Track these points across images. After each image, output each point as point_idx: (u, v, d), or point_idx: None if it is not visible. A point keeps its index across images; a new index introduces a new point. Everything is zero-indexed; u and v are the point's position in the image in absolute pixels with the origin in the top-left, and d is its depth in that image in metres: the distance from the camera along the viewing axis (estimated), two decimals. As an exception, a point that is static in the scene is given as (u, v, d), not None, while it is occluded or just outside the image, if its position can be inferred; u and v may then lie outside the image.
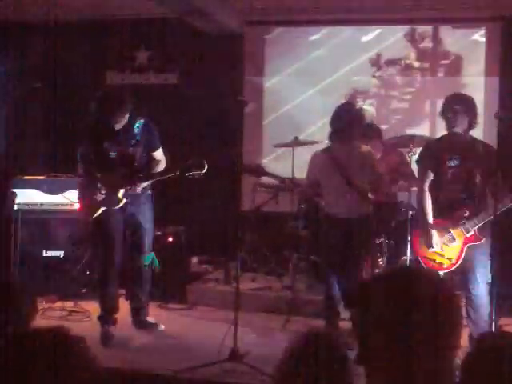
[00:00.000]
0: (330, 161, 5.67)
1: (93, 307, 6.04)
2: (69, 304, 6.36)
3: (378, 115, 8.01)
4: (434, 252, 5.12)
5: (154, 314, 6.04)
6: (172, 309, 6.55)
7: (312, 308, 6.22)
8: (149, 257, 5.75)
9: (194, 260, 7.41)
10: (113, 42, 8.54)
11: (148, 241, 5.73)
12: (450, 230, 5.08)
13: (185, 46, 8.30)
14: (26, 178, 6.91)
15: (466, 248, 5.02)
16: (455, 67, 7.87)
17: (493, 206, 4.81)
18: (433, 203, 5.16)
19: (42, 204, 6.81)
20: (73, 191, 6.47)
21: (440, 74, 7.98)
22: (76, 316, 6.13)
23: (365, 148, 5.72)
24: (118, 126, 5.49)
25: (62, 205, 6.81)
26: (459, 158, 5.08)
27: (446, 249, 5.09)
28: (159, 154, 5.70)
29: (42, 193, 6.82)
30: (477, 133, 7.52)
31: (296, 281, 6.49)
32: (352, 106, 6.26)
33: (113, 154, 5.53)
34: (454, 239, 5.08)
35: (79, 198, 5.78)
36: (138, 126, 5.57)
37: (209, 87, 8.10)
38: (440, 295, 1.76)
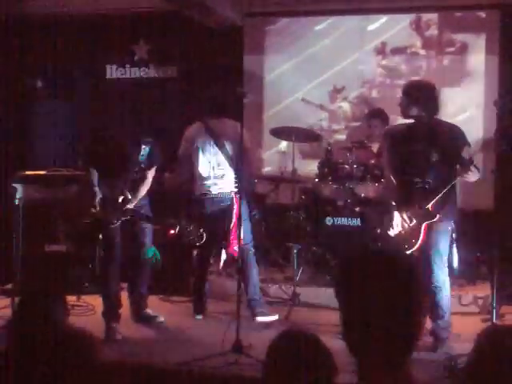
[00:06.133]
0: (206, 132, 5.95)
1: (96, 301, 6.06)
2: (72, 298, 6.38)
3: (384, 104, 7.92)
4: (398, 233, 5.09)
5: (156, 306, 6.07)
6: (174, 301, 6.57)
7: (314, 299, 6.24)
8: (150, 250, 5.77)
9: (196, 252, 7.40)
10: (112, 36, 8.50)
11: (148, 234, 5.76)
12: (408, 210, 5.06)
13: (184, 39, 8.28)
14: (27, 172, 6.91)
15: (425, 227, 4.97)
16: (461, 55, 7.82)
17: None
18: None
19: (43, 199, 6.82)
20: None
21: (446, 62, 7.94)
22: (79, 310, 6.14)
23: (234, 122, 5.84)
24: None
25: (64, 200, 6.82)
26: (417, 142, 5.09)
27: (407, 229, 5.05)
28: (151, 172, 5.82)
29: (43, 187, 6.83)
30: (477, 120, 7.58)
31: (298, 272, 6.50)
32: None
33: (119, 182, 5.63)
34: (411, 219, 5.03)
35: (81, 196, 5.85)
36: (142, 155, 5.69)
37: (208, 80, 8.09)
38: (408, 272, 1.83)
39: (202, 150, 5.97)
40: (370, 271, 1.80)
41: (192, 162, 6.02)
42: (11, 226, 6.37)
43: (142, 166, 5.70)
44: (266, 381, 2.14)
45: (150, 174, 5.81)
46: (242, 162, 5.62)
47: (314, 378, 2.08)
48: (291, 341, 2.19)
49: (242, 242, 5.46)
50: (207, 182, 5.94)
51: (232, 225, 5.71)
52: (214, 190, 5.91)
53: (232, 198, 5.83)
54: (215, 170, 5.92)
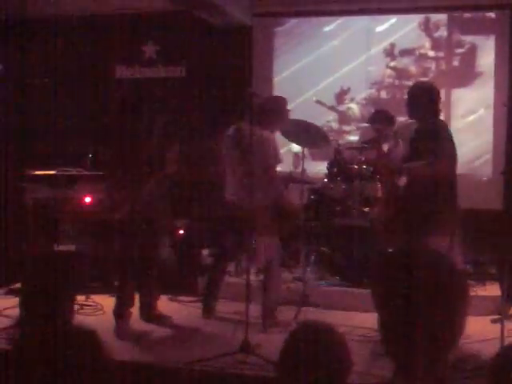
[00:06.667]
0: (237, 138, 5.71)
1: (105, 301, 6.07)
2: (80, 298, 6.38)
3: (392, 105, 7.91)
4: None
5: (165, 306, 6.07)
6: (183, 301, 6.56)
7: (323, 299, 6.23)
8: None
9: (205, 252, 7.42)
10: (121, 37, 8.55)
11: (163, 233, 5.77)
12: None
13: (193, 39, 8.30)
14: (37, 173, 6.92)
15: None
16: (470, 56, 7.80)
17: None
18: None
19: (52, 198, 6.83)
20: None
21: (455, 63, 7.90)
22: (88, 310, 6.14)
23: (266, 132, 5.66)
24: (138, 126, 5.57)
25: (73, 199, 6.84)
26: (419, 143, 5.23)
27: None
28: (174, 151, 5.73)
29: (52, 187, 6.84)
30: (487, 121, 7.56)
31: (307, 272, 6.49)
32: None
33: (134, 155, 5.59)
34: None
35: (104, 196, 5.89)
36: (158, 124, 5.65)
37: (217, 80, 8.10)
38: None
39: (234, 157, 5.75)
40: (408, 271, 1.78)
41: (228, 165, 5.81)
42: (19, 225, 6.38)
43: (158, 135, 5.62)
44: (282, 375, 2.13)
45: (173, 154, 5.72)
46: (269, 174, 5.57)
47: (330, 371, 2.07)
48: (310, 332, 2.17)
49: (267, 255, 5.50)
50: (236, 191, 5.73)
51: (257, 237, 5.50)
52: (242, 201, 5.56)
53: (260, 209, 5.51)
54: (244, 180, 5.58)
